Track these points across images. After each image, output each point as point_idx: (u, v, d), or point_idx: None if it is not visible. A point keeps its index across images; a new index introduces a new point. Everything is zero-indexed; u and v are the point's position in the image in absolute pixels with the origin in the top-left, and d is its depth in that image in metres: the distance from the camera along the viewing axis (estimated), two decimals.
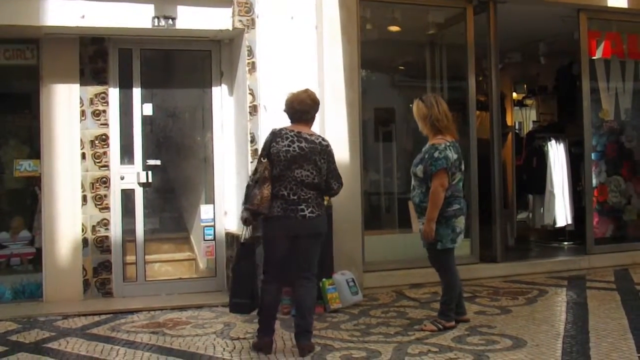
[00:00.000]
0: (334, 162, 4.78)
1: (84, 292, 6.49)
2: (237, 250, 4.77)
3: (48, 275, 6.41)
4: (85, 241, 6.50)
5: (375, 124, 8.00)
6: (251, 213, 4.57)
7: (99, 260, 6.55)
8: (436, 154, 5.12)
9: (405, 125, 7.96)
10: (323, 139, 4.77)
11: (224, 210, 6.95)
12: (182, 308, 6.17)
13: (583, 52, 7.86)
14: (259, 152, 6.12)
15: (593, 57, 7.96)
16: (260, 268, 4.80)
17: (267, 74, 6.44)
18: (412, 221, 5.52)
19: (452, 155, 5.16)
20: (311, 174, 4.64)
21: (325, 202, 5.05)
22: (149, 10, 6.29)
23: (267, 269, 4.75)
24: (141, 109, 6.80)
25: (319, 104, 4.88)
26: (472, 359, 4.46)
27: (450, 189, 5.15)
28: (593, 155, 8.04)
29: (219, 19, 6.48)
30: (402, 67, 8.64)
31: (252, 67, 6.50)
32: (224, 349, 4.84)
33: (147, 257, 6.84)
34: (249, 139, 6.48)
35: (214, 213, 6.93)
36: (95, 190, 6.56)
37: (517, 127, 10.55)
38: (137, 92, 6.79)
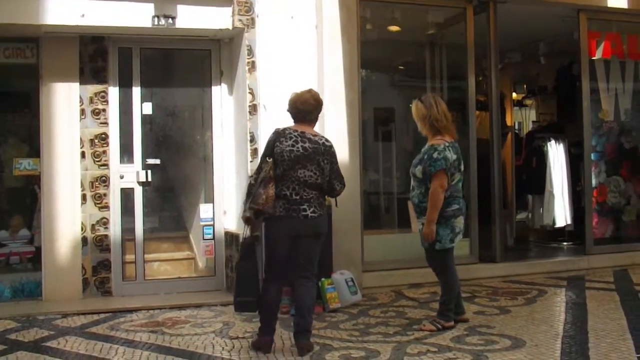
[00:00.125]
0: (336, 162, 4.79)
1: (83, 290, 6.49)
2: (240, 249, 4.77)
3: (47, 274, 6.41)
4: (84, 240, 6.50)
5: (375, 124, 8.00)
6: (255, 212, 4.56)
7: (98, 259, 6.55)
8: (435, 155, 5.12)
9: (405, 125, 7.96)
10: (326, 140, 4.78)
11: (223, 209, 6.95)
12: (181, 307, 6.17)
13: (583, 52, 7.87)
14: (259, 151, 6.16)
15: (593, 58, 7.96)
16: (262, 266, 4.81)
17: (266, 74, 6.44)
18: (412, 221, 5.52)
19: (451, 155, 5.15)
20: (314, 174, 4.65)
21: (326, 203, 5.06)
22: (149, 9, 6.29)
23: (269, 268, 4.76)
24: (141, 108, 6.80)
25: (322, 104, 4.90)
26: (471, 359, 4.47)
27: (450, 189, 5.15)
28: (592, 156, 8.04)
29: (218, 18, 6.48)
30: (402, 67, 8.64)
31: (252, 66, 6.50)
32: (223, 348, 4.84)
33: (146, 256, 6.84)
34: (249, 138, 6.48)
35: (214, 212, 6.93)
36: (95, 189, 6.56)
37: (516, 127, 10.55)
38: (136, 91, 6.78)
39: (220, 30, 6.57)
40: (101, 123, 6.60)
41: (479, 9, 7.36)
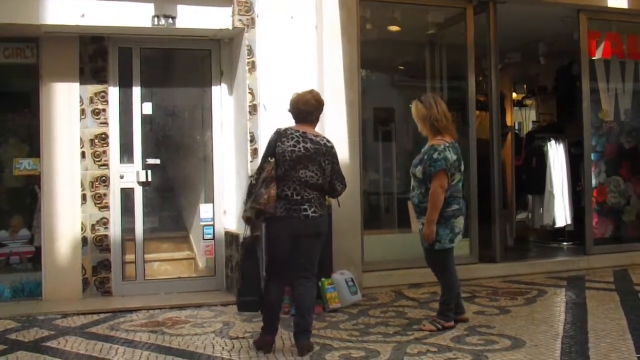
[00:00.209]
0: (337, 163, 4.81)
1: (83, 290, 6.49)
2: (241, 249, 4.78)
3: (47, 274, 6.41)
4: (84, 240, 6.50)
5: (375, 124, 8.00)
6: (256, 212, 4.57)
7: (98, 259, 6.55)
8: (435, 155, 5.12)
9: (405, 125, 7.95)
10: (328, 141, 4.79)
11: (223, 209, 6.95)
12: (181, 307, 6.17)
13: (583, 52, 7.87)
14: (259, 151, 6.17)
15: (593, 58, 7.96)
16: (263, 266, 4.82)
17: (266, 74, 6.44)
18: (412, 221, 5.52)
19: (452, 156, 5.15)
20: (315, 174, 4.65)
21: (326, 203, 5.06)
22: (149, 9, 6.29)
23: (269, 268, 4.77)
24: (141, 108, 6.80)
25: (323, 105, 4.91)
26: (470, 359, 4.47)
27: (450, 189, 5.15)
28: (592, 156, 8.04)
29: (218, 18, 6.48)
30: (402, 67, 8.64)
31: (252, 66, 6.50)
32: (223, 348, 4.84)
33: (146, 256, 6.84)
34: (249, 138, 6.48)
35: (214, 212, 6.93)
36: (95, 189, 6.56)
37: (516, 127, 10.55)
38: (136, 91, 6.78)
39: (220, 30, 6.57)
40: (101, 123, 6.60)
41: (479, 9, 7.36)
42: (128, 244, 6.74)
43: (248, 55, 6.50)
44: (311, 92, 4.88)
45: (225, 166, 6.97)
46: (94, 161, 6.57)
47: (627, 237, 8.29)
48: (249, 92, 6.48)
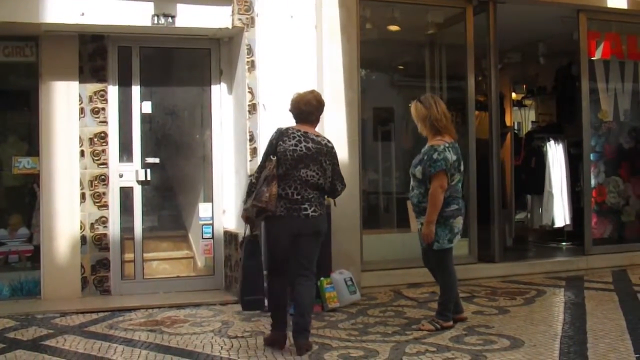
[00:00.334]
0: (337, 164, 4.83)
1: (82, 289, 6.49)
2: (242, 248, 4.80)
3: (46, 273, 6.41)
4: (83, 239, 6.50)
5: (374, 124, 8.00)
6: (257, 210, 4.57)
7: (97, 258, 6.55)
8: (435, 156, 5.12)
9: (404, 125, 7.95)
10: (328, 141, 4.81)
11: (222, 208, 6.94)
12: (180, 306, 6.17)
13: (582, 52, 7.87)
14: (258, 150, 6.17)
15: (592, 58, 7.97)
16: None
17: (266, 73, 6.44)
18: (411, 221, 5.52)
19: (451, 156, 5.15)
20: (316, 174, 4.67)
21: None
22: (149, 8, 6.28)
23: (271, 266, 4.80)
24: (140, 107, 6.79)
25: (324, 105, 4.93)
26: (469, 358, 4.46)
27: (449, 189, 5.15)
28: (592, 156, 8.05)
29: (218, 18, 6.47)
30: (402, 67, 8.64)
31: (252, 65, 6.50)
32: (221, 347, 4.84)
33: (145, 255, 6.84)
34: (248, 137, 6.48)
35: (213, 211, 6.94)
36: (94, 187, 6.56)
37: (516, 127, 10.55)
38: (136, 90, 6.78)
39: (220, 29, 6.57)
40: (100, 122, 6.60)
41: (479, 9, 7.37)
42: (127, 243, 6.74)
43: (247, 54, 6.50)
44: (312, 92, 4.90)
45: (224, 165, 6.97)
46: (93, 160, 6.57)
47: (626, 238, 8.30)
48: (249, 92, 6.48)
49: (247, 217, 4.69)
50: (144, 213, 6.81)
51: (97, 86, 6.58)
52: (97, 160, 6.57)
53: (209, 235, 6.91)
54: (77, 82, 6.51)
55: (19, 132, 6.86)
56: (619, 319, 5.49)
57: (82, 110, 6.54)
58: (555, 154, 8.54)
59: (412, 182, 5.35)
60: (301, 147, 4.65)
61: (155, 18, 6.29)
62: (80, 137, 6.52)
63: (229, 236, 6.70)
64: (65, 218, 6.44)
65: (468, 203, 6.86)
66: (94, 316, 5.85)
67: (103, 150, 6.59)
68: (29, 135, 6.75)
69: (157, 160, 6.87)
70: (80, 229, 6.49)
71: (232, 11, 6.48)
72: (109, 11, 6.17)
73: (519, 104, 10.70)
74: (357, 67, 6.64)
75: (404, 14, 7.41)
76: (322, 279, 5.89)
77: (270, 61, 6.45)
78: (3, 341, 5.07)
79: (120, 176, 6.70)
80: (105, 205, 6.58)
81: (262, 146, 5.62)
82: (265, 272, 4.82)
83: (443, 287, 5.33)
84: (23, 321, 5.69)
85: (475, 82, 7.43)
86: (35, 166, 6.50)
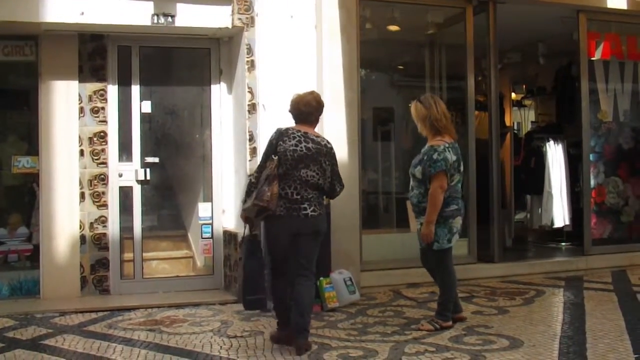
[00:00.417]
0: (336, 164, 4.86)
1: (81, 289, 6.48)
2: (242, 248, 4.82)
3: (45, 272, 6.41)
4: (82, 238, 6.49)
5: (374, 124, 8.00)
6: (258, 210, 4.58)
7: (97, 258, 6.55)
8: (435, 156, 5.12)
9: (404, 125, 7.95)
10: (328, 142, 4.84)
11: (222, 208, 6.94)
12: (179, 306, 6.17)
13: (582, 53, 7.87)
14: (258, 150, 6.17)
15: (592, 58, 7.97)
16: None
17: (266, 73, 6.44)
18: (410, 221, 5.52)
19: (451, 157, 5.15)
20: (316, 174, 4.69)
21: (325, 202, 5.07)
22: (149, 7, 6.28)
23: (272, 266, 4.82)
24: (140, 107, 6.79)
25: (323, 106, 4.96)
26: (468, 358, 4.47)
27: (449, 190, 5.15)
28: (591, 156, 8.05)
29: (218, 17, 6.47)
30: (401, 67, 8.64)
31: (251, 65, 6.49)
32: (220, 347, 4.84)
33: (144, 254, 6.83)
34: (248, 137, 6.48)
35: (212, 211, 6.94)
36: (93, 187, 6.55)
37: (515, 127, 10.55)
38: (136, 90, 6.78)
39: (220, 29, 6.57)
40: (100, 121, 6.60)
41: (479, 9, 7.36)
42: (126, 242, 6.74)
43: (247, 54, 6.50)
44: (312, 93, 4.92)
45: (224, 165, 6.96)
46: (93, 159, 6.57)
47: (626, 238, 8.30)
48: (248, 91, 6.48)
49: (247, 217, 4.70)
50: (143, 212, 6.80)
51: (96, 85, 6.58)
52: (96, 159, 6.57)
53: (209, 235, 6.91)
54: (76, 82, 6.51)
55: (18, 132, 6.86)
56: (618, 319, 5.49)
57: (81, 110, 6.54)
58: (555, 154, 8.53)
59: (411, 182, 5.35)
60: (301, 148, 4.66)
61: (155, 17, 6.29)
62: (79, 137, 6.52)
63: (229, 236, 6.70)
64: (65, 217, 6.43)
65: (467, 203, 6.86)
66: (93, 315, 5.85)
67: (102, 150, 6.59)
68: (29, 135, 6.74)
69: (156, 159, 6.87)
70: (80, 228, 6.49)
71: (232, 11, 6.48)
72: (108, 10, 6.17)
73: (519, 104, 10.70)
74: (357, 67, 6.64)
75: (404, 14, 7.41)
76: (321, 278, 5.89)
77: (270, 61, 6.45)
78: (2, 340, 5.07)
79: (120, 176, 6.70)
80: (105, 205, 6.58)
81: (261, 146, 5.61)
82: (266, 273, 4.83)
83: (442, 287, 5.33)
84: (22, 320, 5.68)
85: (475, 82, 7.42)
86: (35, 165, 6.50)
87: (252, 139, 6.46)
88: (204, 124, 7.16)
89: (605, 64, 8.15)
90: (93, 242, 6.53)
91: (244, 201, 4.76)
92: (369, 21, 7.25)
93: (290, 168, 4.65)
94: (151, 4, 6.29)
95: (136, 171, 6.73)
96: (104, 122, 6.60)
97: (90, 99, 6.56)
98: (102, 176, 6.58)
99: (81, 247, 6.48)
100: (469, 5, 7.32)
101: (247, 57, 6.50)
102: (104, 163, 6.60)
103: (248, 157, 6.44)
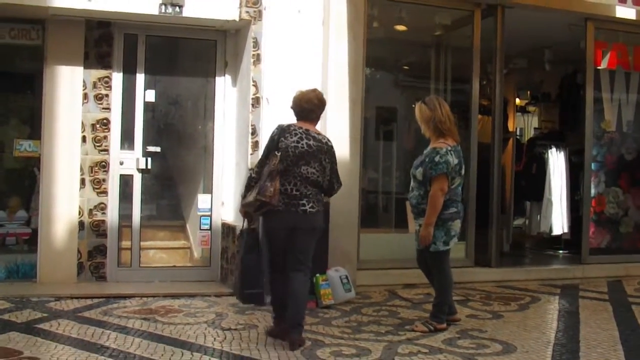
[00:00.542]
0: (336, 163, 4.88)
1: (78, 274, 6.49)
2: (242, 242, 4.82)
3: (43, 257, 6.41)
4: (81, 224, 6.50)
5: (377, 123, 8.00)
6: (259, 204, 4.59)
7: (94, 244, 6.55)
8: (437, 158, 5.11)
9: (407, 125, 7.95)
10: (328, 140, 4.86)
11: (221, 200, 6.94)
12: (174, 296, 6.18)
13: (589, 61, 7.85)
14: (260, 144, 6.16)
15: (598, 67, 7.95)
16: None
17: (271, 67, 6.43)
18: (409, 221, 5.52)
19: (453, 160, 5.14)
20: (316, 171, 4.71)
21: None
22: None
23: (271, 263, 4.83)
24: (144, 95, 6.79)
25: (325, 104, 4.97)
26: None
27: (449, 193, 5.14)
28: (593, 165, 8.04)
29: (226, 9, 6.46)
30: (407, 67, 8.63)
31: (257, 59, 6.49)
32: (214, 338, 4.85)
33: (142, 243, 6.84)
34: (250, 130, 6.47)
35: (211, 203, 6.94)
36: (94, 174, 6.56)
37: (518, 133, 10.55)
38: (140, 78, 6.78)
39: (227, 21, 6.56)
40: (103, 108, 6.59)
41: (487, 12, 7.34)
42: (125, 230, 6.74)
43: (253, 47, 6.50)
44: (314, 91, 4.93)
45: (225, 157, 6.96)
46: (95, 146, 6.57)
47: (623, 249, 8.30)
48: (253, 85, 6.48)
49: (245, 212, 4.72)
50: (142, 201, 6.81)
51: (101, 72, 6.58)
52: (98, 146, 6.57)
53: (207, 227, 6.91)
54: (81, 68, 6.50)
55: (21, 115, 6.86)
56: (612, 329, 5.49)
57: (85, 96, 6.53)
58: (557, 161, 8.53)
59: (412, 183, 5.34)
60: (303, 144, 4.67)
61: (163, 7, 6.27)
62: (82, 123, 6.52)
63: (227, 228, 6.71)
64: (64, 203, 6.43)
65: (467, 207, 6.85)
66: (89, 302, 5.85)
67: (105, 137, 6.59)
68: (31, 119, 6.75)
69: (158, 149, 6.87)
70: (79, 214, 6.49)
71: (240, 4, 6.47)
72: None
73: (523, 110, 10.70)
74: (362, 65, 6.63)
75: (412, 14, 7.40)
76: (317, 275, 5.89)
77: (275, 55, 6.44)
78: None
79: (121, 163, 6.70)
80: (105, 192, 6.58)
81: (264, 140, 5.61)
82: (265, 267, 4.84)
83: (439, 289, 5.33)
84: (18, 303, 5.69)
85: (480, 86, 7.41)
86: (37, 150, 6.50)
87: (254, 132, 6.46)
88: (207, 115, 7.16)
89: (611, 73, 8.14)
90: (91, 229, 6.53)
91: (244, 196, 4.77)
92: (377, 20, 7.24)
93: (291, 164, 4.66)
94: None
95: (137, 160, 6.73)
96: (107, 109, 6.60)
97: (94, 85, 6.56)
98: (103, 163, 6.58)
99: (79, 233, 6.49)
100: (477, 9, 7.30)
101: (253, 51, 6.49)
102: (106, 150, 6.60)
103: (250, 151, 6.44)
